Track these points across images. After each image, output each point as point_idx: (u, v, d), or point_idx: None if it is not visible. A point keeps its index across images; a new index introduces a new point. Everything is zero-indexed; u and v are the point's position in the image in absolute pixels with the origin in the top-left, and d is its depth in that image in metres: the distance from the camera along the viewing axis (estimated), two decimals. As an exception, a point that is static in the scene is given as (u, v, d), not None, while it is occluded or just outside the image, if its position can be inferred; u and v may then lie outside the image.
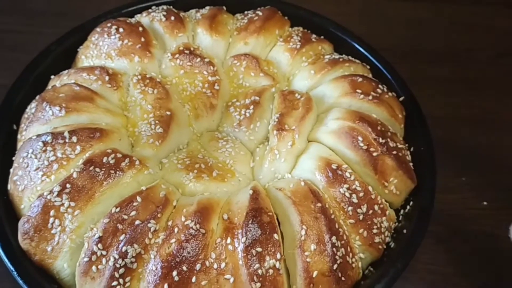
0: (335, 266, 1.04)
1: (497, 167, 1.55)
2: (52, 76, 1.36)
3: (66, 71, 1.34)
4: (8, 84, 1.35)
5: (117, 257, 1.00)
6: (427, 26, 2.00)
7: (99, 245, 1.01)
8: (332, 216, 1.08)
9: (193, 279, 0.99)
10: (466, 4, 2.08)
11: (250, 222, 1.03)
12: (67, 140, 1.11)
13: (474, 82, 1.81)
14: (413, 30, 1.97)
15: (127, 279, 1.00)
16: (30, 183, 1.11)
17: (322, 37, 1.51)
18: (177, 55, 1.35)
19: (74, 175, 1.07)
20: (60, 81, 1.30)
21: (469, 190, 1.49)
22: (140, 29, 1.37)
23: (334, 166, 1.14)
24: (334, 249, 1.05)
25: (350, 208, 1.12)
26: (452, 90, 1.77)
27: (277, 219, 1.07)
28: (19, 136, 1.24)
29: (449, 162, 1.45)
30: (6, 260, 1.06)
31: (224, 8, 1.54)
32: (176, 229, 1.02)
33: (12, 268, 1.05)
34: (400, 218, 1.22)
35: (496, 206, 1.46)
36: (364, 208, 1.13)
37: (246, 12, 1.53)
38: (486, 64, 1.87)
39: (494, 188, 1.49)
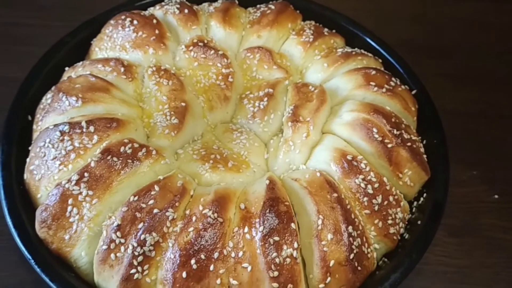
0: (351, 256, 1.05)
1: (508, 161, 1.55)
2: (67, 68, 1.36)
3: (81, 62, 1.34)
4: (19, 77, 1.35)
5: (135, 245, 1.00)
6: (432, 23, 2.00)
7: (118, 233, 1.01)
8: (348, 207, 1.09)
9: (211, 267, 1.00)
10: (471, 0, 2.08)
11: (267, 211, 1.03)
12: (84, 130, 1.12)
13: (481, 78, 1.81)
14: (419, 26, 1.97)
15: (146, 267, 1.00)
16: (47, 172, 1.11)
17: (334, 31, 1.52)
18: (191, 47, 1.35)
19: (92, 164, 1.07)
20: (75, 73, 1.30)
21: (481, 184, 1.49)
22: (154, 21, 1.38)
23: (349, 157, 1.15)
24: (351, 238, 1.05)
25: (365, 198, 1.12)
26: (459, 86, 1.77)
27: (293, 209, 1.07)
28: (34, 127, 1.24)
29: (460, 156, 1.45)
30: (23, 248, 1.07)
31: (236, 1, 1.54)
32: (194, 218, 1.03)
33: (29, 256, 1.05)
34: (413, 210, 1.23)
35: (507, 199, 1.46)
36: (379, 199, 1.13)
37: (258, 6, 1.54)
38: (493, 60, 1.87)
39: (505, 181, 1.50)
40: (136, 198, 1.04)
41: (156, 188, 1.05)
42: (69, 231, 1.05)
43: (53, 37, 1.47)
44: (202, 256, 1.00)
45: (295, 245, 1.02)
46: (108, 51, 1.37)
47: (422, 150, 1.26)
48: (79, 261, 1.07)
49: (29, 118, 1.28)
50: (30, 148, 1.19)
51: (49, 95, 1.25)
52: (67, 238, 1.06)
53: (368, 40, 1.53)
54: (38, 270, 1.04)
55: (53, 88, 1.26)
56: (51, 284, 1.02)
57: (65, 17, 1.78)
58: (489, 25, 2.00)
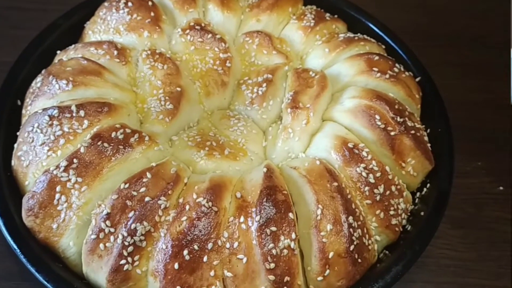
0: (351, 247, 1.01)
1: (513, 152, 1.51)
2: (58, 51, 1.32)
3: (73, 45, 1.30)
4: (12, 61, 1.31)
5: (125, 234, 0.96)
6: (435, 11, 1.96)
7: (107, 222, 0.97)
8: (349, 196, 1.05)
9: (205, 259, 0.96)
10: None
11: (264, 200, 0.99)
12: (74, 114, 1.07)
13: (485, 67, 1.77)
14: (421, 15, 1.93)
15: (136, 257, 0.96)
16: (35, 159, 1.07)
17: (335, 16, 1.47)
18: (187, 31, 1.31)
19: (82, 150, 1.03)
20: (67, 56, 1.26)
21: (485, 175, 1.45)
22: (150, 3, 1.33)
23: (350, 145, 1.10)
24: (351, 229, 1.01)
25: (366, 188, 1.08)
26: (465, 75, 1.73)
27: (291, 199, 1.03)
28: (23, 111, 1.20)
29: (464, 147, 1.41)
30: (9, 238, 1.03)
31: (235, -16, 1.49)
32: (187, 207, 0.98)
33: (15, 246, 1.01)
34: (416, 201, 1.19)
35: (512, 191, 1.43)
36: (381, 189, 1.09)
37: (258, -11, 1.49)
38: (497, 50, 1.83)
39: (510, 173, 1.45)
40: (127, 185, 1.00)
41: (148, 175, 1.01)
42: (57, 219, 1.01)
43: (45, 21, 1.43)
44: (196, 247, 0.96)
45: (293, 235, 0.97)
46: (101, 34, 1.32)
47: (426, 138, 1.22)
48: (67, 251, 1.03)
49: (19, 103, 1.23)
50: (18, 133, 1.14)
51: (39, 78, 1.20)
52: (55, 227, 1.01)
53: (371, 25, 1.49)
54: (24, 260, 1.00)
55: (43, 71, 1.21)
56: (37, 275, 0.98)
57: (61, 1, 1.73)
58: (493, 15, 1.96)
